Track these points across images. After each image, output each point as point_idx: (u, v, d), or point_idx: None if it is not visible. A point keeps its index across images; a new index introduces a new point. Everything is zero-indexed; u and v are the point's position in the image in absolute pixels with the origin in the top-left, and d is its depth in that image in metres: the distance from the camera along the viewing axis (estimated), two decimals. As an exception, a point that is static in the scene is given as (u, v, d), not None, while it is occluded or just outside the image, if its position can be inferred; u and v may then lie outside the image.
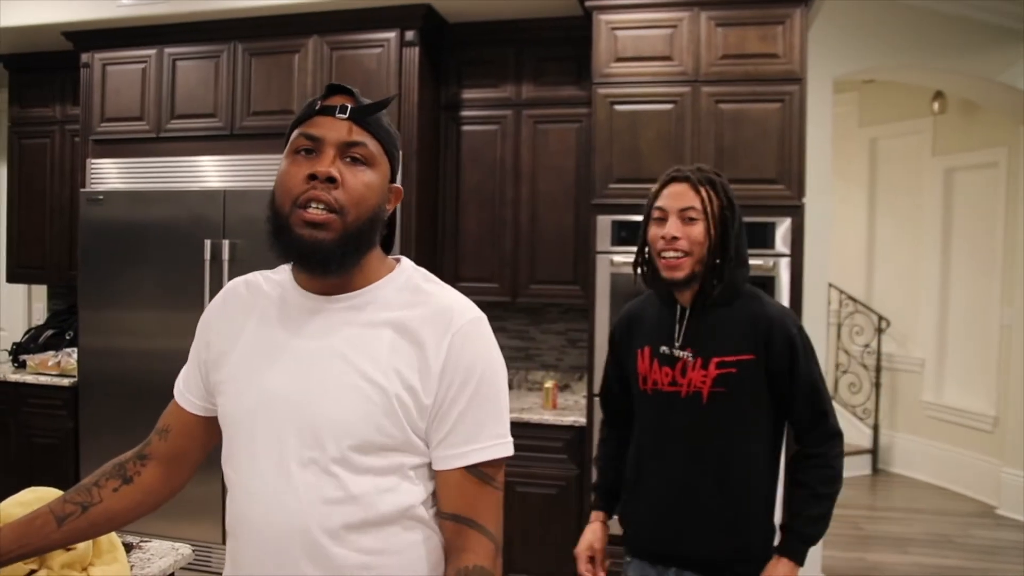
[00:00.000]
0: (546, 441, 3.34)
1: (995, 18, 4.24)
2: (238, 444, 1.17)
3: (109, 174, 3.88)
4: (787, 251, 3.08)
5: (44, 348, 4.32)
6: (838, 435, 1.77)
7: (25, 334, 4.55)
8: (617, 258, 3.22)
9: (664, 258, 1.76)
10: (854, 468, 5.95)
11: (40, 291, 5.17)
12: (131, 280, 3.70)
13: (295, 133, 1.14)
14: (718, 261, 1.75)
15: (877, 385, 6.22)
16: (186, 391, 1.30)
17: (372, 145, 1.14)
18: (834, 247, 4.80)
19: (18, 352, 4.35)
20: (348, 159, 1.12)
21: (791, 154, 3.10)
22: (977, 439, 5.46)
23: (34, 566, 1.40)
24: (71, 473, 3.85)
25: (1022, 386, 5.00)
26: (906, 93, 5.93)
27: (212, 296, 1.35)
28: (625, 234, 3.22)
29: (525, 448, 3.34)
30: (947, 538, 4.64)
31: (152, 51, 3.83)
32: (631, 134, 3.24)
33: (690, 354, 1.76)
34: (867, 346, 6.30)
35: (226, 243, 3.51)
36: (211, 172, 3.72)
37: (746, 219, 2.95)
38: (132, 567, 1.58)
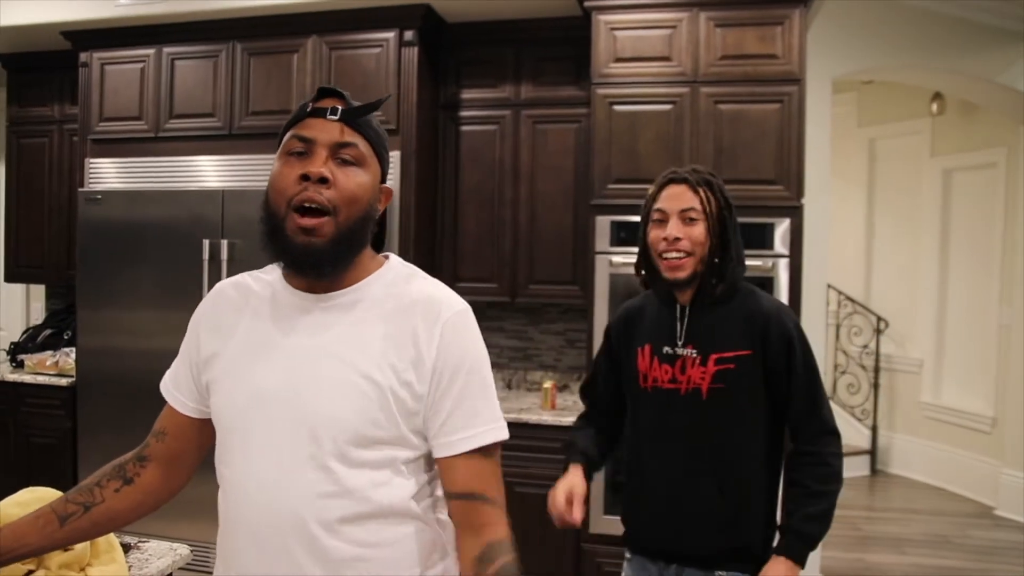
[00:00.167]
0: (545, 441, 3.34)
1: (994, 19, 4.25)
2: (232, 442, 1.18)
3: (107, 174, 3.87)
4: (786, 252, 3.08)
5: (42, 348, 4.31)
6: (834, 433, 1.77)
7: (23, 334, 4.54)
8: (616, 258, 3.22)
9: (666, 259, 1.78)
10: (853, 469, 5.95)
11: (38, 291, 5.17)
12: (129, 280, 3.69)
13: (287, 135, 1.17)
14: (717, 260, 1.77)
15: (875, 386, 6.22)
16: (177, 393, 1.31)
17: (363, 146, 1.16)
18: (833, 248, 4.80)
19: (16, 352, 4.35)
20: (340, 160, 1.14)
21: (790, 155, 3.10)
22: (975, 440, 5.46)
23: (32, 566, 1.40)
24: (69, 473, 3.84)
25: (1021, 387, 5.00)
26: (905, 94, 5.93)
27: (210, 296, 1.37)
28: (624, 234, 3.22)
29: (524, 448, 3.34)
30: (945, 539, 4.64)
31: (151, 51, 3.83)
32: (630, 134, 3.24)
33: (692, 351, 1.78)
34: (865, 347, 6.30)
35: (224, 243, 3.51)
36: (209, 172, 3.72)
37: (745, 220, 2.96)
38: (130, 567, 1.58)
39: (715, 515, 1.75)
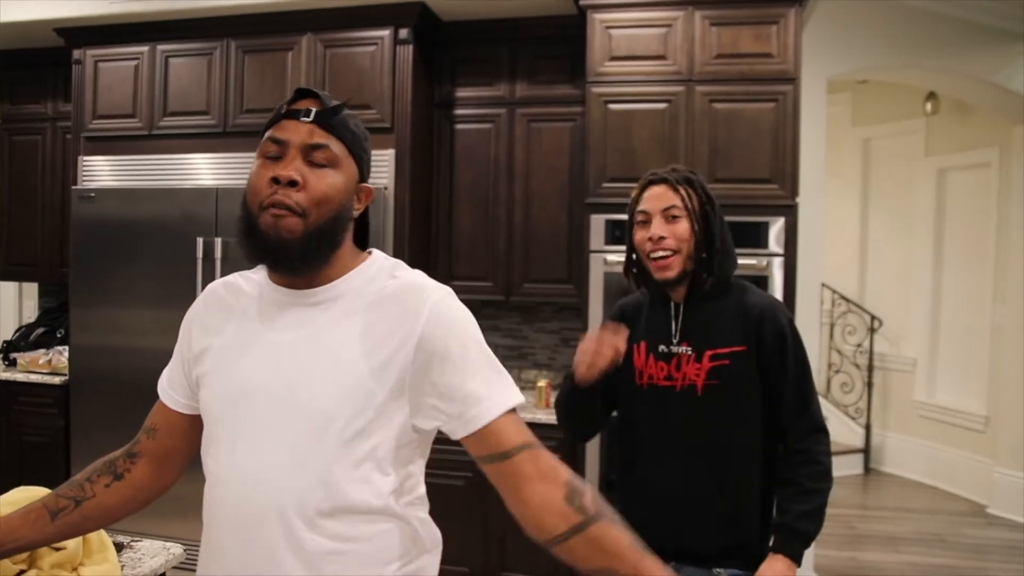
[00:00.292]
0: (539, 440, 3.33)
1: (988, 19, 4.26)
2: (217, 434, 1.20)
3: (101, 171, 3.86)
4: (780, 251, 3.08)
5: (35, 346, 4.29)
6: (823, 430, 1.78)
7: (16, 332, 4.53)
8: (611, 257, 3.22)
9: (654, 259, 1.80)
10: (846, 467, 5.97)
11: (31, 289, 5.14)
12: (123, 278, 3.68)
13: (265, 137, 1.19)
14: (704, 255, 1.78)
15: (869, 385, 6.24)
16: (170, 390, 1.33)
17: (336, 147, 1.18)
18: (827, 247, 4.80)
19: (9, 350, 4.33)
20: (312, 161, 1.16)
21: (785, 154, 3.10)
22: (968, 439, 5.48)
23: (23, 566, 1.40)
24: (62, 471, 3.83)
25: (1013, 385, 5.01)
26: (899, 93, 5.94)
27: (204, 295, 1.38)
28: (619, 233, 3.22)
29: (518, 447, 3.34)
30: (939, 537, 4.66)
31: (144, 48, 3.81)
32: (625, 133, 3.24)
33: (687, 348, 1.79)
34: (859, 346, 6.32)
35: (218, 241, 3.50)
36: (204, 170, 3.71)
37: (740, 219, 2.99)
38: (123, 567, 1.57)
39: (713, 512, 1.75)
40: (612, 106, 3.26)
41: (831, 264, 6.02)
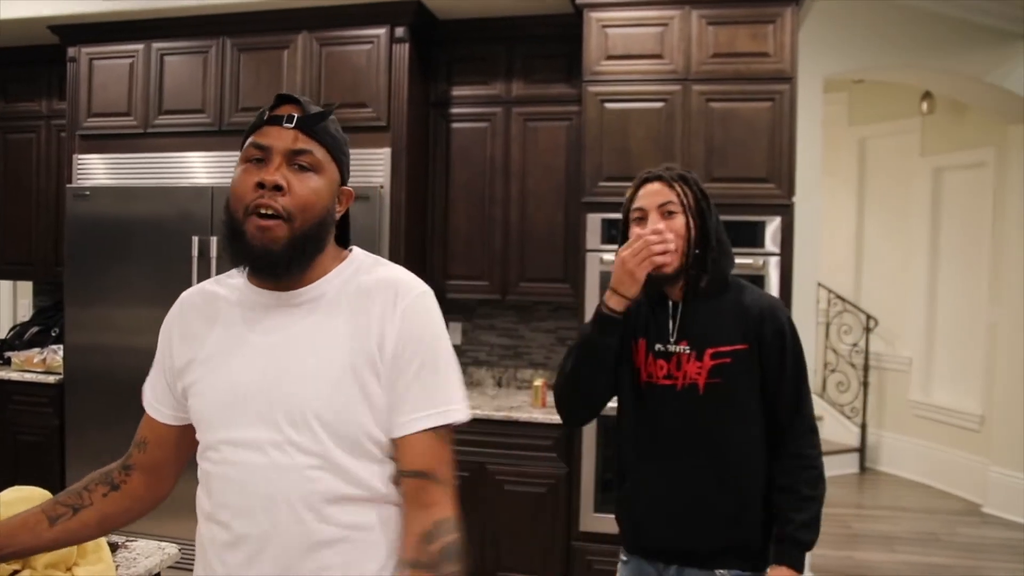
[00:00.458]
0: (535, 440, 3.34)
1: (984, 19, 4.26)
2: (213, 437, 1.22)
3: (96, 170, 3.84)
4: (776, 250, 3.09)
5: (30, 345, 4.28)
6: (815, 430, 1.79)
7: (10, 331, 4.51)
8: (607, 256, 3.22)
9: None
10: (842, 466, 5.98)
11: (26, 287, 5.13)
12: (118, 277, 3.67)
13: (247, 143, 1.21)
14: (698, 252, 1.77)
15: (865, 384, 6.25)
16: (155, 402, 1.34)
17: (319, 152, 1.20)
18: (823, 246, 4.81)
19: (3, 349, 4.32)
20: (295, 166, 1.18)
21: (781, 153, 3.10)
22: (964, 438, 5.49)
23: (17, 566, 1.39)
24: (56, 471, 3.82)
25: (1009, 385, 5.03)
26: (895, 93, 5.95)
27: (198, 294, 1.38)
28: (615, 232, 3.21)
29: (514, 447, 3.34)
30: (934, 536, 4.67)
31: (139, 46, 3.80)
32: (621, 132, 3.24)
33: (686, 347, 1.78)
34: (855, 345, 6.33)
35: (214, 240, 3.49)
36: (199, 168, 3.70)
37: (736, 218, 2.99)
38: (118, 567, 1.56)
39: (714, 511, 1.75)
40: (608, 105, 3.25)
41: (827, 263, 6.03)
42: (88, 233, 3.71)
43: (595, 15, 3.27)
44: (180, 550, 1.73)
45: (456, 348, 4.06)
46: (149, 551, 1.67)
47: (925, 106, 5.72)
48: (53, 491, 1.51)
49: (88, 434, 3.70)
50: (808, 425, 1.78)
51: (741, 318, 1.77)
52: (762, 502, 1.78)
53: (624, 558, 1.91)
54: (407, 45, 3.48)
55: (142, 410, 1.36)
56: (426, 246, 3.79)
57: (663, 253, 1.71)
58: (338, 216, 1.27)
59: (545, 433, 3.34)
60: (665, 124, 3.20)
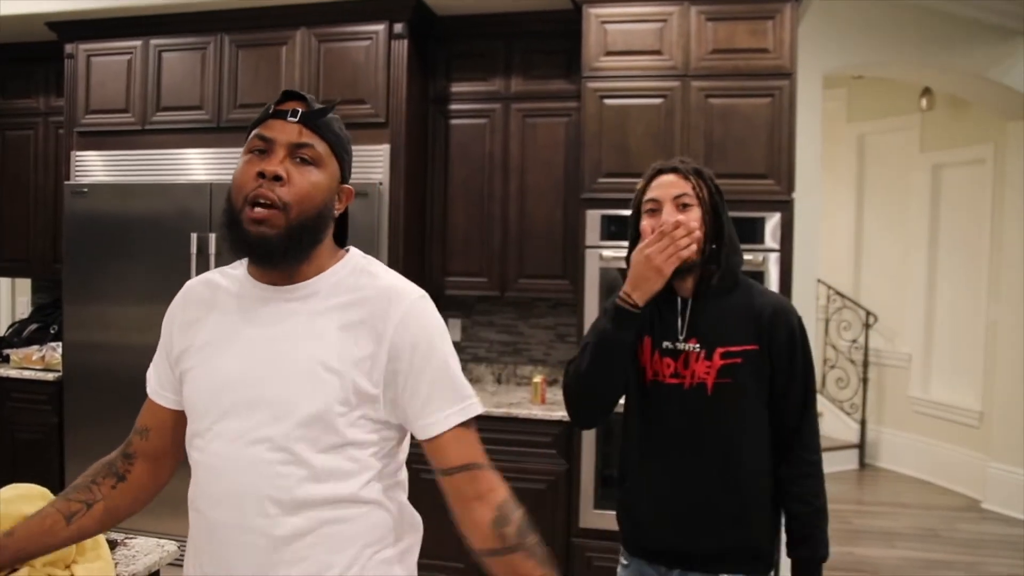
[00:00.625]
0: (534, 436, 3.33)
1: (984, 15, 4.26)
2: (200, 426, 1.24)
3: (94, 167, 3.84)
4: (776, 246, 3.08)
5: (28, 342, 4.27)
6: (818, 433, 1.77)
7: (9, 328, 4.51)
8: (606, 252, 3.21)
9: None
10: (841, 463, 5.98)
11: (24, 285, 5.12)
12: (116, 274, 3.66)
13: (251, 135, 1.24)
14: (713, 247, 1.73)
15: (864, 380, 6.25)
16: (160, 388, 1.36)
17: (320, 147, 1.23)
18: (822, 243, 4.80)
19: (2, 346, 4.31)
20: (297, 159, 1.21)
21: (780, 149, 3.10)
22: (963, 434, 5.49)
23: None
24: (55, 468, 3.82)
25: (1008, 381, 5.03)
26: (894, 89, 5.94)
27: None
28: (614, 228, 3.21)
29: (513, 443, 3.34)
30: (933, 532, 4.67)
31: (137, 42, 3.79)
32: (620, 128, 3.23)
33: (695, 345, 1.73)
34: (854, 341, 6.33)
35: (212, 236, 3.49)
36: (197, 165, 3.69)
37: (735, 214, 2.95)
38: (117, 564, 1.56)
39: (721, 513, 1.71)
40: (607, 101, 3.25)
41: (826, 260, 6.03)
42: (86, 230, 3.70)
43: (594, 11, 3.26)
44: (179, 547, 1.72)
45: (455, 345, 4.04)
46: (148, 548, 1.67)
47: (924, 102, 5.72)
48: (52, 488, 1.50)
49: (87, 431, 3.70)
50: (813, 428, 1.75)
51: (752, 318, 1.73)
52: (770, 504, 1.75)
53: (624, 561, 1.87)
54: (406, 41, 3.48)
55: (140, 406, 1.38)
56: (425, 243, 3.79)
57: (688, 246, 1.66)
58: (337, 213, 1.28)
59: (545, 430, 3.34)
60: (664, 120, 3.20)
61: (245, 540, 1.17)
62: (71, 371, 3.76)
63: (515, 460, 3.33)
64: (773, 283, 3.08)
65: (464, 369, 4.17)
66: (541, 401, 3.50)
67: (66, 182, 3.79)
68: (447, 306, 4.06)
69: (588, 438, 3.23)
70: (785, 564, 1.79)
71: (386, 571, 1.25)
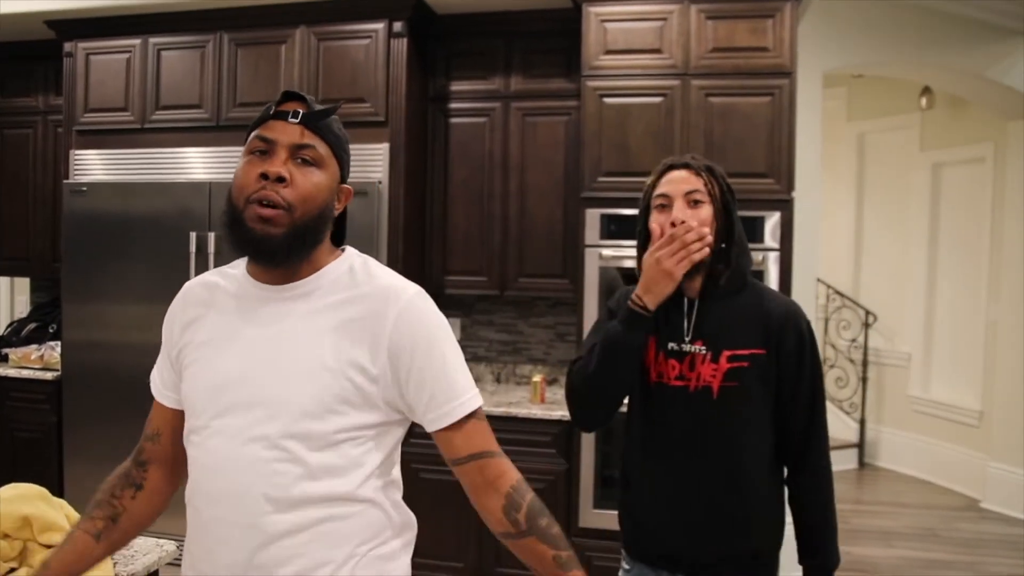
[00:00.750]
0: (534, 435, 3.33)
1: (983, 14, 4.25)
2: (197, 423, 1.25)
3: (93, 165, 3.83)
4: (776, 245, 3.08)
5: (27, 341, 4.27)
6: (827, 438, 1.73)
7: (7, 327, 4.50)
8: (606, 252, 3.21)
9: None
10: (841, 462, 5.98)
11: (23, 284, 5.12)
12: (115, 273, 3.66)
13: (252, 136, 1.25)
14: (723, 246, 1.69)
15: (864, 379, 6.25)
16: (164, 389, 1.37)
17: (321, 148, 1.24)
18: (822, 242, 4.80)
19: (0, 345, 4.30)
20: (299, 160, 1.22)
21: (780, 148, 3.10)
22: (962, 433, 5.49)
23: (14, 564, 1.38)
24: (54, 467, 3.81)
25: (1007, 381, 5.03)
26: (894, 88, 5.94)
27: (196, 290, 1.39)
28: (614, 227, 3.21)
29: (512, 442, 3.33)
30: (932, 531, 4.67)
31: (137, 41, 3.78)
32: (620, 127, 3.23)
33: (701, 347, 1.69)
34: (854, 341, 6.33)
35: (212, 235, 3.48)
36: (197, 164, 3.69)
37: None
38: (116, 564, 1.56)
39: (725, 518, 1.67)
40: (607, 100, 3.24)
41: (826, 259, 6.03)
42: (85, 229, 3.69)
43: (594, 9, 3.25)
44: (178, 547, 1.72)
45: (455, 344, 4.06)
46: (147, 548, 1.67)
47: (924, 101, 5.71)
48: (51, 488, 1.50)
49: (86, 431, 3.70)
50: (823, 435, 1.71)
51: (760, 321, 1.69)
52: (774, 509, 1.73)
53: (627, 566, 1.84)
54: (405, 40, 3.47)
55: (140, 405, 1.38)
56: (425, 242, 3.78)
57: (700, 249, 1.62)
58: (336, 213, 1.29)
59: (544, 429, 3.34)
60: (664, 119, 3.19)
61: (240, 537, 1.18)
62: (70, 370, 3.76)
63: (514, 459, 3.30)
64: (773, 282, 3.08)
65: (464, 368, 4.16)
66: (541, 400, 3.49)
67: (65, 181, 3.79)
68: (447, 305, 4.06)
69: (588, 437, 3.23)
70: (786, 568, 1.78)
71: (380, 568, 1.26)
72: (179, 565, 1.57)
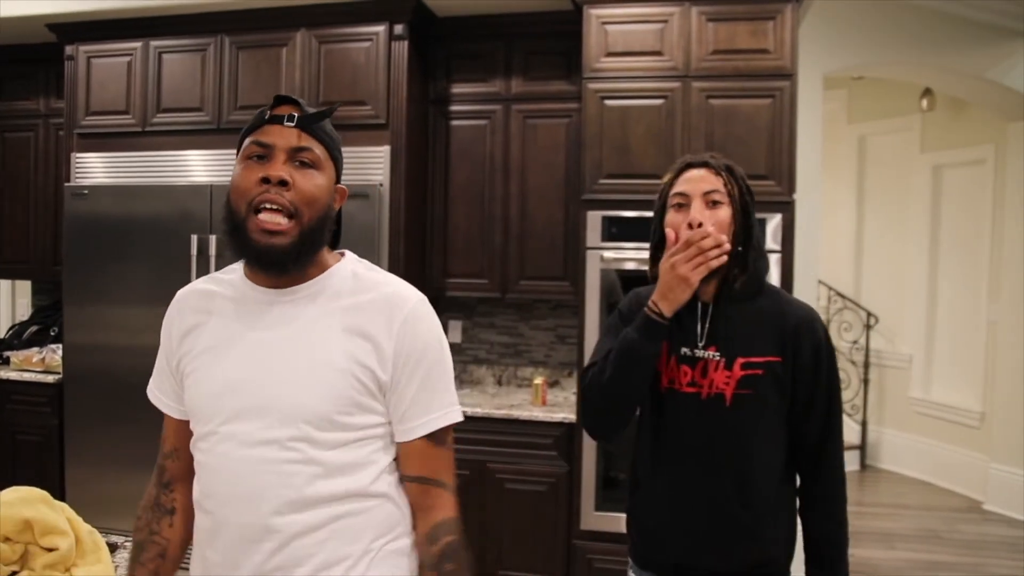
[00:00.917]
0: (535, 438, 3.33)
1: (984, 16, 4.25)
2: (205, 429, 1.26)
3: (94, 168, 3.83)
4: (777, 247, 3.08)
5: (28, 344, 4.27)
6: (842, 448, 1.69)
7: (9, 330, 4.50)
8: (607, 254, 3.21)
9: None
10: (842, 464, 5.96)
11: (24, 286, 5.12)
12: (116, 275, 3.66)
13: (247, 141, 1.24)
14: (740, 249, 1.63)
15: (865, 381, 6.25)
16: (171, 402, 1.37)
17: (318, 150, 1.24)
18: (823, 243, 4.80)
19: (2, 348, 4.31)
20: (297, 163, 1.22)
21: (781, 150, 3.10)
22: (964, 435, 5.49)
23: (16, 567, 1.38)
24: (55, 470, 3.81)
25: (1009, 382, 5.02)
26: (895, 90, 5.94)
27: (197, 293, 1.39)
28: (615, 230, 3.21)
29: (514, 445, 3.33)
30: (934, 533, 4.66)
31: (138, 44, 3.79)
32: (621, 129, 3.23)
33: (714, 353, 1.64)
34: (855, 342, 6.32)
35: (213, 238, 3.48)
36: (198, 167, 3.69)
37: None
38: (117, 567, 1.56)
39: (735, 529, 1.63)
40: (608, 102, 3.24)
41: (827, 261, 6.02)
42: (86, 232, 3.70)
43: (595, 12, 3.25)
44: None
45: (456, 346, 4.07)
46: (148, 551, 1.66)
47: (925, 103, 5.71)
48: (52, 491, 1.50)
49: (87, 433, 3.69)
50: (838, 447, 1.67)
51: (776, 327, 1.64)
52: (786, 521, 1.68)
53: (631, 573, 1.80)
54: (406, 42, 3.47)
55: (141, 409, 1.38)
56: (426, 244, 3.78)
57: (718, 256, 1.57)
58: (334, 213, 1.30)
59: (545, 431, 3.34)
60: (665, 121, 3.19)
61: (257, 539, 1.19)
62: (71, 373, 3.76)
63: (516, 462, 3.33)
64: (774, 284, 3.07)
65: (465, 371, 4.18)
66: (542, 403, 3.49)
67: (66, 184, 3.79)
68: (448, 307, 4.06)
69: (589, 440, 3.22)
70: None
71: (395, 562, 1.27)
72: (179, 567, 1.56)
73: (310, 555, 1.19)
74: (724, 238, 1.59)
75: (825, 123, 4.30)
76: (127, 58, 3.80)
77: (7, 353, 4.18)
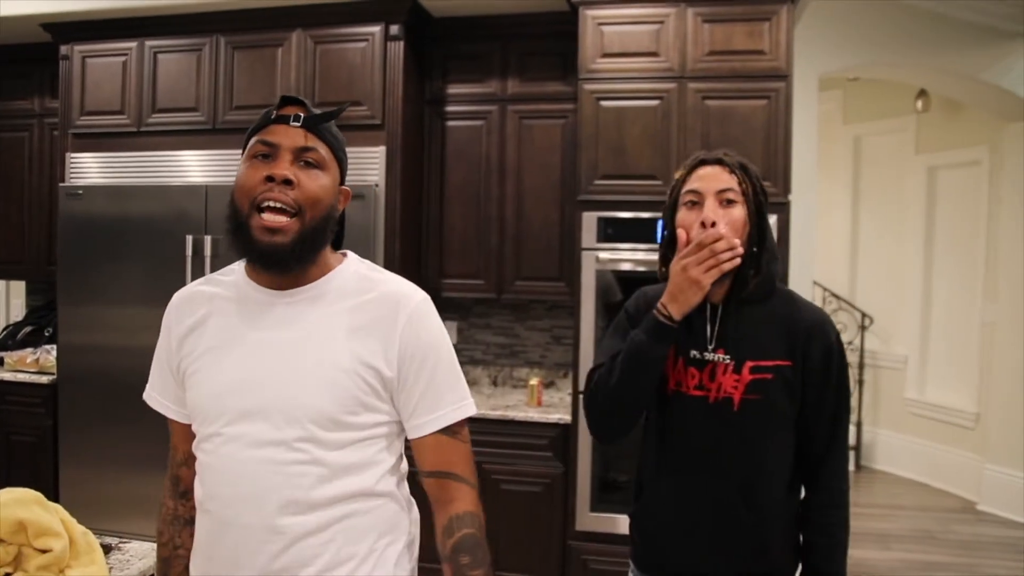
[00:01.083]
0: (531, 439, 3.33)
1: (979, 17, 4.27)
2: (209, 430, 1.25)
3: (89, 168, 3.82)
4: (773, 248, 3.07)
5: (22, 345, 4.26)
6: (848, 459, 1.66)
7: (3, 330, 4.49)
8: (603, 255, 3.21)
9: None
10: (837, 464, 5.97)
11: (18, 287, 5.11)
12: (111, 276, 3.65)
13: (252, 140, 1.24)
14: (754, 249, 1.58)
15: (860, 382, 6.25)
16: (174, 406, 1.37)
17: (323, 150, 1.25)
18: (818, 244, 4.81)
19: (-4, 349, 4.30)
20: (302, 163, 1.22)
21: (777, 151, 3.10)
22: (959, 435, 5.50)
23: (8, 569, 1.38)
24: (49, 471, 3.80)
25: (1004, 383, 5.03)
26: (890, 91, 5.95)
27: (193, 293, 1.39)
28: (611, 231, 3.21)
29: (510, 446, 3.33)
30: (929, 534, 4.67)
31: (133, 44, 3.78)
32: (617, 130, 3.23)
33: (723, 356, 1.60)
34: (850, 343, 6.33)
35: (208, 239, 3.47)
36: (193, 167, 3.68)
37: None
38: (111, 568, 1.55)
39: (741, 535, 1.60)
40: (604, 103, 3.25)
41: (822, 261, 6.03)
42: (81, 232, 3.68)
43: (591, 12, 3.26)
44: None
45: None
46: (143, 552, 1.66)
47: (920, 104, 5.72)
48: (46, 492, 1.49)
49: (81, 434, 3.68)
50: (844, 455, 1.65)
51: (787, 331, 1.60)
52: (789, 528, 1.65)
53: None
54: (402, 43, 3.47)
55: (136, 409, 1.37)
56: (421, 245, 3.78)
57: (731, 259, 1.52)
58: (338, 214, 1.30)
59: (541, 432, 3.34)
60: (661, 122, 3.19)
61: (261, 540, 1.19)
62: (65, 374, 3.74)
63: (511, 463, 3.33)
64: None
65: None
66: (537, 403, 3.49)
67: (61, 184, 3.78)
68: (444, 308, 4.06)
69: (584, 441, 3.23)
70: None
71: (400, 561, 1.29)
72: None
73: (316, 555, 1.19)
74: (737, 241, 1.53)
75: (820, 124, 4.31)
76: (122, 58, 3.80)
77: (1, 354, 4.17)
